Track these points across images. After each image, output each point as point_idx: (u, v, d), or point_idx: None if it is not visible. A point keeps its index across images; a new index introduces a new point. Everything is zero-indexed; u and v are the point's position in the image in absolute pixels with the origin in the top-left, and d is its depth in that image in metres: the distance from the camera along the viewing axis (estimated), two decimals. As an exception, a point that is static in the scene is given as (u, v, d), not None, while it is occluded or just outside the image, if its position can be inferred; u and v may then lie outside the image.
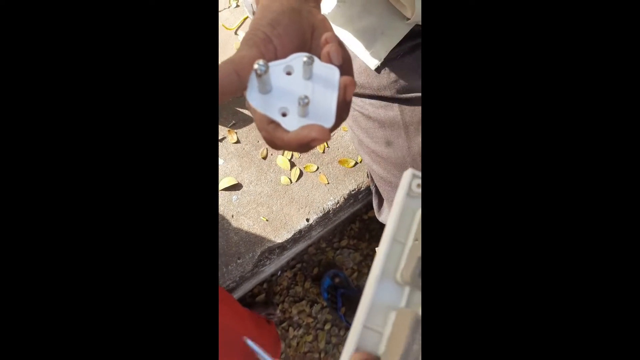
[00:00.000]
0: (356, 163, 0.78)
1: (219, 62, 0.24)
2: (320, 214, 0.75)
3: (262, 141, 0.81)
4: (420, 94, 0.52)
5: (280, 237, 0.75)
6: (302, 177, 0.77)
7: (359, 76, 0.53)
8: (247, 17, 0.88)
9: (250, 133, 0.81)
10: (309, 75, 0.24)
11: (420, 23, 0.48)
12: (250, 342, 0.22)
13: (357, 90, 0.55)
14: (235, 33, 0.88)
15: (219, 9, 0.90)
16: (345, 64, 0.26)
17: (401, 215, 0.18)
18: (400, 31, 0.48)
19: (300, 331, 1.09)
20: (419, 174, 0.18)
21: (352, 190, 0.76)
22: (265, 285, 1.10)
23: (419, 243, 0.17)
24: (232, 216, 0.76)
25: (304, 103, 0.23)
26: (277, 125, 0.25)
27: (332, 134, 0.81)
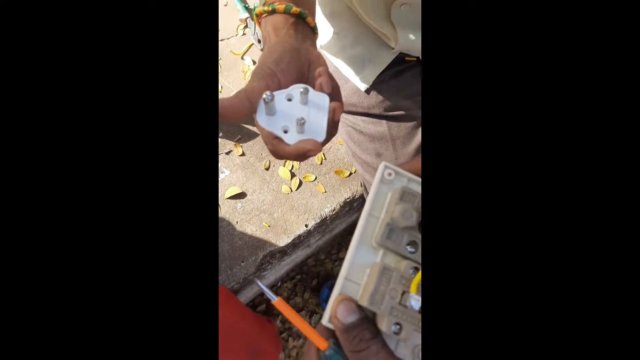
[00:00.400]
0: (351, 173, 0.85)
1: (236, 91, 0.30)
2: (318, 220, 0.82)
3: (265, 153, 0.88)
4: (404, 112, 0.59)
5: (281, 241, 0.81)
6: (302, 186, 0.84)
7: (351, 97, 0.60)
8: (252, 44, 0.97)
9: (254, 146, 0.88)
10: (305, 101, 0.30)
11: (403, 52, 0.56)
12: (259, 282, 0.27)
13: (350, 108, 0.63)
14: (242, 58, 0.96)
15: (228, 37, 0.99)
16: (334, 92, 0.33)
17: (376, 197, 0.24)
18: (386, 59, 0.56)
19: (300, 341, 1.12)
20: (390, 165, 0.25)
21: (347, 198, 0.83)
22: (265, 296, 1.14)
23: (388, 215, 0.23)
24: (237, 222, 0.82)
25: (301, 123, 0.29)
26: (280, 140, 0.31)
27: (327, 147, 0.88)
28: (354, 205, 0.88)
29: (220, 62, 0.97)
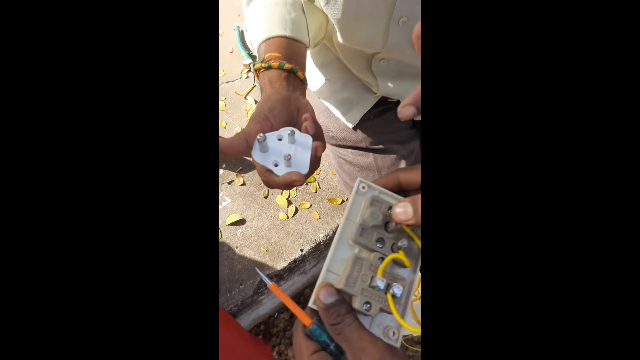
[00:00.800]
0: (343, 201, 0.92)
1: (239, 127, 0.38)
2: (313, 245, 0.88)
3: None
4: (387, 146, 0.68)
5: (278, 265, 0.86)
6: (297, 213, 0.91)
7: (341, 132, 0.69)
8: (254, 86, 1.08)
9: (254, 177, 0.96)
10: (292, 140, 0.37)
11: (384, 96, 0.65)
12: (257, 269, 0.32)
13: (341, 142, 0.71)
14: (245, 98, 1.07)
15: (233, 79, 1.10)
16: (317, 133, 0.39)
17: (352, 205, 0.31)
18: (370, 101, 0.65)
19: (295, 366, 1.12)
20: (364, 180, 0.32)
21: (340, 225, 0.90)
22: (262, 327, 1.14)
23: (361, 218, 0.30)
24: (237, 247, 0.88)
25: (288, 158, 0.36)
26: (271, 172, 0.36)
27: (321, 176, 0.95)
28: (347, 231, 0.94)
29: (225, 101, 1.07)
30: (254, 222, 0.90)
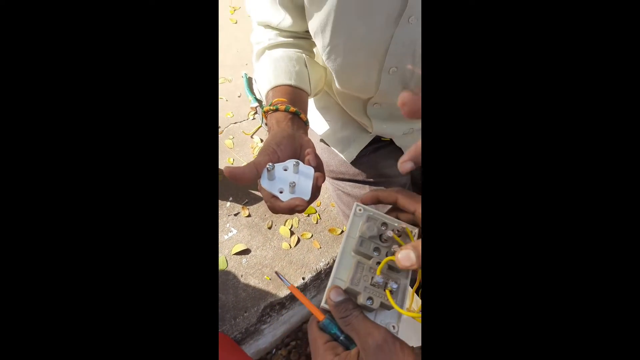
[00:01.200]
0: (342, 231, 0.98)
1: (248, 163, 0.41)
2: (314, 274, 0.92)
3: (268, 214, 1.02)
4: (381, 179, 0.76)
5: (281, 293, 0.90)
6: (299, 243, 0.96)
7: (340, 167, 0.77)
8: (260, 126, 1.18)
9: (259, 209, 1.03)
10: (296, 171, 0.43)
11: (378, 135, 0.74)
12: (278, 273, 0.37)
13: (340, 176, 0.79)
14: (251, 137, 1.17)
15: (241, 120, 1.20)
16: (318, 166, 0.45)
17: (351, 224, 0.37)
18: (365, 140, 0.73)
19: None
20: (360, 204, 0.39)
21: (339, 254, 0.95)
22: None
23: (359, 232, 0.37)
24: (242, 276, 0.92)
25: (292, 186, 0.41)
26: (276, 198, 0.42)
27: (322, 208, 1.01)
28: (346, 261, 0.99)
29: (233, 139, 1.16)
30: (258, 252, 0.95)
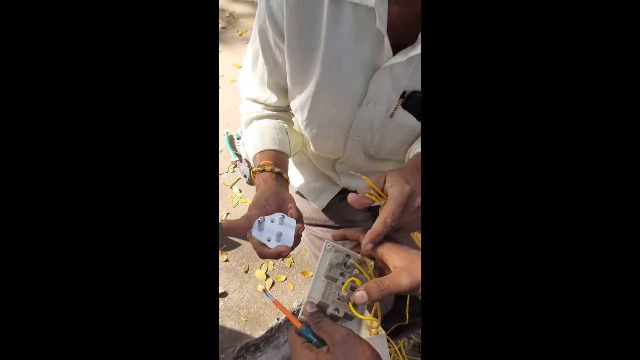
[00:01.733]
0: (313, 274, 1.08)
1: (242, 216, 0.52)
2: (287, 313, 1.00)
3: (244, 259, 1.09)
4: (348, 224, 0.89)
5: (256, 334, 0.96)
6: (274, 285, 1.04)
7: (313, 213, 0.89)
8: (239, 178, 1.30)
9: (236, 254, 1.11)
10: (282, 222, 0.54)
11: (345, 187, 0.88)
12: (264, 290, 0.45)
13: (312, 222, 0.91)
14: (231, 188, 1.28)
15: (221, 173, 1.32)
16: (299, 218, 0.56)
17: (322, 257, 0.49)
18: (334, 191, 0.87)
19: None
20: (329, 241, 0.51)
21: (311, 294, 1.03)
22: None
23: (329, 262, 0.48)
24: (219, 318, 0.97)
25: (279, 235, 0.52)
26: (265, 245, 0.52)
27: (295, 252, 1.11)
28: (317, 302, 1.07)
29: (213, 190, 1.27)
30: (235, 295, 1.02)
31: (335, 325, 0.42)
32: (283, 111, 0.73)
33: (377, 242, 0.47)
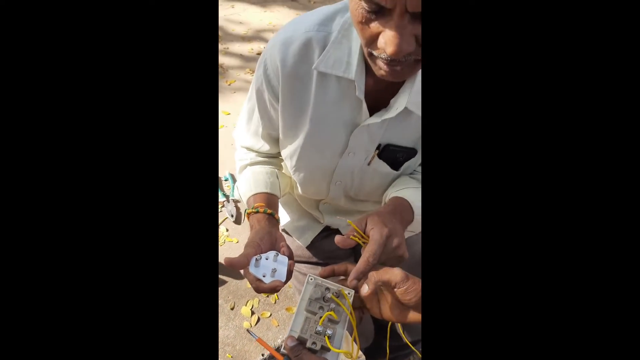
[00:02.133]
0: (298, 310, 1.12)
1: (240, 254, 0.59)
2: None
3: (230, 296, 1.12)
4: (328, 261, 0.95)
5: (241, 371, 0.97)
6: (259, 321, 1.07)
7: (297, 250, 0.96)
8: (226, 218, 1.36)
9: (223, 291, 1.14)
10: (275, 260, 0.60)
11: (328, 225, 0.96)
12: (250, 331, 0.49)
13: (297, 258, 0.97)
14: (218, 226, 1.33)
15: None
16: (290, 255, 0.63)
17: (305, 290, 0.54)
18: (318, 229, 0.95)
19: None
20: (311, 275, 0.57)
21: (295, 330, 1.06)
22: None
23: (309, 296, 0.54)
24: (204, 356, 0.99)
25: (273, 271, 0.58)
26: (260, 281, 0.57)
27: (284, 286, 1.15)
28: (301, 338, 1.10)
29: (201, 228, 1.31)
30: (221, 332, 1.04)
31: (313, 357, 0.47)
32: (274, 157, 0.82)
33: (360, 278, 0.54)
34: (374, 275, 0.50)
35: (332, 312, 0.53)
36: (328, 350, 0.50)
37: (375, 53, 0.48)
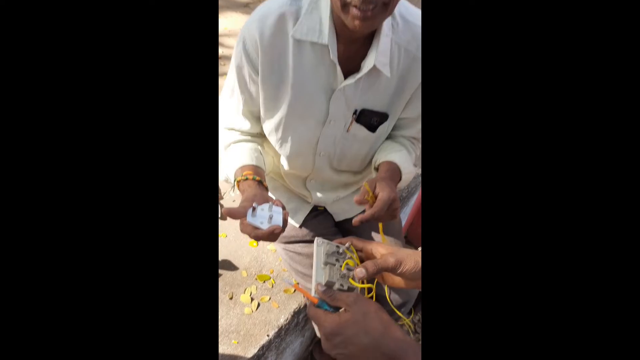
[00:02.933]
0: (294, 290, 1.17)
1: (239, 205, 0.66)
2: (277, 329, 1.07)
3: (227, 287, 1.15)
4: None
5: (249, 353, 1.01)
6: (260, 306, 1.11)
7: (291, 232, 1.01)
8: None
9: (221, 281, 1.16)
10: (271, 209, 0.65)
11: (316, 204, 1.02)
12: (286, 281, 0.52)
13: (291, 239, 1.02)
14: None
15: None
16: (284, 207, 0.68)
17: (317, 251, 0.62)
18: (307, 208, 1.01)
19: None
20: (320, 238, 0.64)
21: (296, 308, 1.12)
22: None
23: (325, 251, 0.61)
24: (211, 345, 1.02)
25: (269, 219, 0.63)
26: (257, 228, 0.62)
27: (275, 274, 1.20)
28: (300, 317, 1.16)
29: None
30: (223, 321, 1.07)
31: (345, 293, 0.54)
32: (256, 136, 0.87)
33: (361, 225, 0.66)
34: (371, 267, 0.55)
35: (349, 261, 0.60)
36: (354, 289, 0.58)
37: (348, 0, 0.57)
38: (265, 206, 0.64)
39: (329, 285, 0.57)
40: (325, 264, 0.60)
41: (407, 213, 1.71)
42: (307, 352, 1.43)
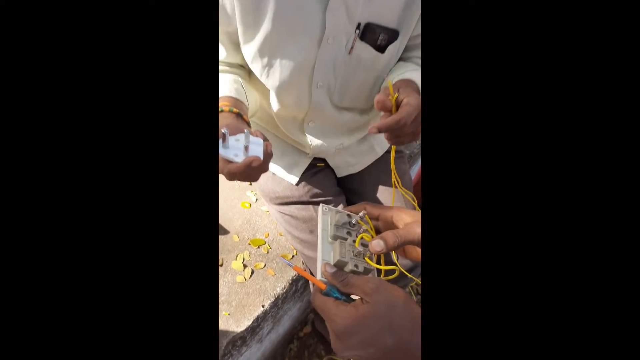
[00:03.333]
0: (293, 256, 1.05)
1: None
2: (273, 299, 0.96)
3: (220, 256, 1.03)
4: (322, 199, 0.87)
5: (242, 325, 0.91)
6: (254, 274, 1.00)
7: (286, 191, 0.86)
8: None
9: (208, 249, 1.04)
10: (247, 141, 0.47)
11: (315, 156, 0.86)
12: (283, 259, 0.43)
13: (286, 200, 0.88)
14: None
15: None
16: (265, 138, 0.51)
17: (322, 221, 0.47)
18: (305, 163, 0.85)
19: None
20: (325, 205, 0.49)
21: (294, 276, 1.00)
22: None
23: (334, 222, 0.46)
24: (199, 317, 0.91)
25: (245, 149, 0.46)
26: (231, 162, 0.46)
27: (271, 238, 1.07)
28: (299, 285, 1.05)
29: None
30: (213, 290, 0.96)
31: (363, 277, 0.40)
32: (236, 68, 0.69)
33: (383, 132, 0.52)
34: (392, 239, 0.43)
35: (364, 235, 0.46)
36: (368, 272, 0.44)
37: None
38: (241, 136, 0.48)
39: (339, 265, 0.43)
40: (334, 237, 0.46)
41: (414, 172, 1.56)
42: (305, 314, 1.35)
